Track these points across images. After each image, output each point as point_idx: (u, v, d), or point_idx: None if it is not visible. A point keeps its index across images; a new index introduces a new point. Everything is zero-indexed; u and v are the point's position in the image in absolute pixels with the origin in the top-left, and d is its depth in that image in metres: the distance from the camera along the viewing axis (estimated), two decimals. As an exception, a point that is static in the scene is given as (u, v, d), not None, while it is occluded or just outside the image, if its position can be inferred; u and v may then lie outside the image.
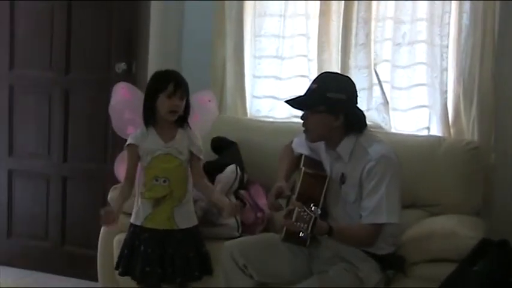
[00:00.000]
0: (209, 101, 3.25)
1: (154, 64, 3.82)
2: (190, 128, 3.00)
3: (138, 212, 3.00)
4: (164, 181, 2.94)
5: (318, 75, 2.89)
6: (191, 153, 2.96)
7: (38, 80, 4.11)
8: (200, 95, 3.21)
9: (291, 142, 3.06)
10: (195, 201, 3.13)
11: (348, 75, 3.28)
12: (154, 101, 2.91)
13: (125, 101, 3.19)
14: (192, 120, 3.03)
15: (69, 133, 4.05)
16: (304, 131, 2.80)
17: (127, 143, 2.99)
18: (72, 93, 4.04)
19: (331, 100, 2.68)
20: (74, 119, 4.04)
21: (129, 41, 3.89)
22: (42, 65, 4.08)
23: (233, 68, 3.83)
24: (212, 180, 3.29)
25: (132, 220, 3.02)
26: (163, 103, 2.89)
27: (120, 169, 3.25)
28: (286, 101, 2.81)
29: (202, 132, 3.18)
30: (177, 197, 2.96)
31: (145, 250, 2.94)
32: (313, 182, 2.73)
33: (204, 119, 3.21)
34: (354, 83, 2.80)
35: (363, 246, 2.71)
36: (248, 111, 3.87)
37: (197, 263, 2.98)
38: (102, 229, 3.42)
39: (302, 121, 2.78)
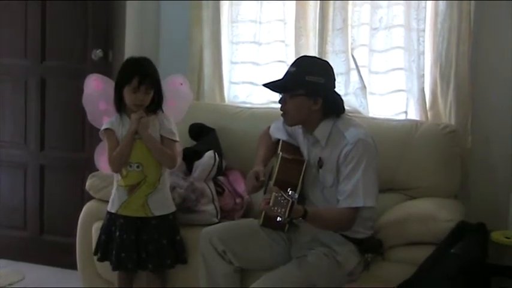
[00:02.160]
0: (181, 84, 3.21)
1: (131, 51, 3.78)
2: (163, 112, 2.98)
3: (113, 199, 2.99)
4: (138, 166, 2.92)
5: (296, 59, 2.87)
6: (161, 136, 2.94)
7: (14, 68, 4.05)
8: (171, 80, 3.17)
9: (269, 128, 3.04)
10: (173, 188, 3.11)
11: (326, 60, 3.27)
12: (122, 91, 2.89)
13: (97, 92, 3.15)
14: (167, 105, 3.00)
15: (46, 121, 4.00)
16: (282, 115, 2.78)
17: (104, 127, 2.97)
18: (48, 81, 3.99)
19: (309, 83, 2.66)
20: (50, 107, 4.00)
21: (105, 28, 3.84)
22: (17, 53, 4.02)
23: (210, 54, 3.81)
24: (190, 166, 3.28)
25: (108, 208, 3.01)
26: (129, 96, 2.89)
27: (101, 160, 3.19)
28: (265, 85, 2.79)
29: (179, 117, 3.16)
30: (151, 183, 2.94)
31: (121, 236, 2.93)
32: (291, 167, 2.73)
33: (179, 104, 3.18)
34: (331, 67, 2.78)
35: (340, 230, 2.70)
36: (226, 97, 3.85)
37: (170, 251, 2.96)
38: (81, 217, 3.39)
39: (280, 105, 2.76)
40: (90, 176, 3.40)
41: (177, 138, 2.99)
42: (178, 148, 3.03)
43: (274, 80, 2.79)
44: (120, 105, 2.94)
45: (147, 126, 2.88)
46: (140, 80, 2.86)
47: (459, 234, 2.69)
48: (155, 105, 2.95)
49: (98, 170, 3.33)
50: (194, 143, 3.48)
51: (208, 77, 3.82)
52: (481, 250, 2.67)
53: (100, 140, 3.12)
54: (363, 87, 3.51)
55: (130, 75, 2.87)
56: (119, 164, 2.92)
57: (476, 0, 3.27)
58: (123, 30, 3.85)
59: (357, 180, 2.61)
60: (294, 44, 3.62)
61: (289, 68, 2.76)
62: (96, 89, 3.14)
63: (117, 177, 2.99)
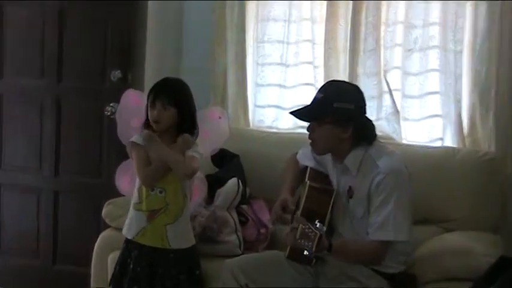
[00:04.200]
0: (219, 117, 3.24)
1: (151, 72, 3.84)
2: (195, 141, 2.98)
3: (131, 224, 2.99)
4: (160, 192, 2.95)
5: (324, 84, 2.90)
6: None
7: (29, 88, 4.12)
8: (210, 111, 3.21)
9: (296, 154, 3.08)
10: (194, 217, 3.14)
11: (356, 83, 3.30)
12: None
13: (133, 108, 3.18)
14: (200, 136, 3.02)
15: (61, 145, 4.06)
16: (311, 144, 2.81)
17: (132, 140, 2.96)
18: (64, 103, 4.05)
19: (338, 110, 2.69)
20: (66, 130, 4.05)
21: (124, 48, 3.90)
22: (33, 73, 4.10)
23: (235, 76, 3.85)
24: (212, 194, 3.31)
25: (124, 232, 3.02)
26: (148, 113, 2.94)
27: (122, 181, 3.22)
28: (291, 113, 2.83)
29: (209, 149, 3.17)
30: (173, 213, 2.95)
31: (134, 269, 2.94)
32: (319, 197, 2.75)
33: (213, 137, 3.18)
34: (361, 92, 2.82)
35: (369, 264, 2.71)
36: (251, 121, 3.89)
37: (188, 287, 2.98)
38: (96, 247, 3.43)
39: (308, 132, 2.79)
40: (106, 203, 3.44)
41: (199, 157, 2.98)
42: (198, 163, 3.02)
43: (301, 107, 2.82)
44: (147, 125, 2.99)
45: (152, 140, 2.92)
46: (155, 96, 2.92)
47: (498, 270, 2.69)
48: (180, 127, 2.97)
49: (115, 196, 3.36)
50: (217, 169, 3.51)
51: (232, 100, 3.86)
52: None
53: (119, 162, 3.15)
54: (396, 112, 3.54)
55: (150, 91, 2.96)
56: (151, 178, 2.93)
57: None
58: (143, 50, 3.91)
59: (388, 212, 2.62)
60: (323, 65, 3.66)
61: (316, 94, 2.79)
62: (134, 104, 3.17)
63: (134, 199, 3.01)
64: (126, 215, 3.10)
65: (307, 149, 2.97)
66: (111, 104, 3.85)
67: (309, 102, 2.82)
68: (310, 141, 2.80)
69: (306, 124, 2.81)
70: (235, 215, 3.29)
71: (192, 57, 3.99)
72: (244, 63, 3.85)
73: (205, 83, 3.86)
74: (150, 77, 3.73)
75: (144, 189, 2.97)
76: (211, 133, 3.14)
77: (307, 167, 2.98)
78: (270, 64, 3.83)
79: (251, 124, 3.89)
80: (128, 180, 3.11)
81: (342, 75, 3.60)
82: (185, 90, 3.01)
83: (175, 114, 2.94)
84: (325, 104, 2.71)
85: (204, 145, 3.05)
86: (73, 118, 4.06)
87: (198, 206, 3.21)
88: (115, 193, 3.34)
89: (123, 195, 3.24)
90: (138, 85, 3.79)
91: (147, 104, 2.98)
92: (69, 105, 4.06)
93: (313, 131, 2.76)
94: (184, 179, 2.94)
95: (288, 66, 3.79)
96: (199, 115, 3.02)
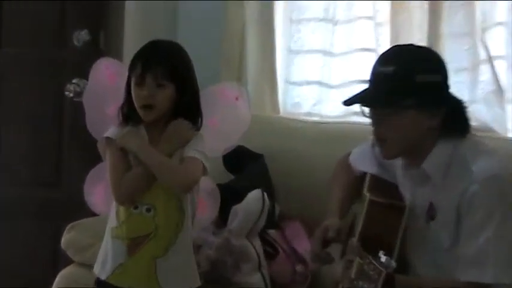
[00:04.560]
0: (236, 99, 3.25)
1: (132, 32, 3.87)
2: (197, 133, 3.00)
3: (105, 259, 3.00)
4: (148, 210, 2.95)
5: (387, 51, 2.84)
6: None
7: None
8: (221, 90, 3.20)
9: (349, 155, 3.08)
10: (198, 248, 3.16)
11: (437, 49, 3.30)
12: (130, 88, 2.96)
13: (107, 85, 3.18)
14: (207, 124, 3.03)
15: (0, 140, 4.11)
16: (379, 143, 2.78)
17: (106, 135, 2.94)
18: (4, 79, 4.10)
19: (425, 87, 2.65)
20: (6, 120, 4.10)
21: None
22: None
23: (257, 40, 3.90)
24: (227, 211, 3.33)
25: (96, 271, 3.04)
26: (133, 93, 2.92)
27: (95, 193, 3.20)
28: (346, 102, 2.77)
29: (223, 145, 3.17)
30: (165, 241, 2.96)
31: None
32: (384, 217, 2.74)
33: (227, 126, 3.16)
34: (441, 57, 2.78)
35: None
36: (281, 105, 3.93)
37: None
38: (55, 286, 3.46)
39: (372, 127, 2.73)
40: (68, 227, 3.46)
41: (201, 159, 2.98)
42: (200, 166, 3.00)
43: (362, 89, 2.78)
44: (127, 112, 2.98)
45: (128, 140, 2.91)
46: (144, 66, 2.91)
47: None
48: (178, 110, 2.98)
49: (81, 216, 3.41)
50: (231, 176, 3.54)
51: (253, 74, 3.90)
52: None
53: (86, 167, 3.17)
54: (499, 90, 3.55)
55: (135, 62, 2.93)
56: (131, 191, 2.95)
57: None
58: (121, 1, 3.94)
59: (486, 241, 2.60)
60: (390, 22, 3.68)
61: (380, 68, 2.71)
62: (109, 80, 3.17)
63: (112, 222, 3.03)
64: (98, 245, 3.13)
65: (365, 147, 2.98)
66: (74, 81, 3.89)
67: (370, 79, 2.78)
68: (376, 141, 2.77)
69: (371, 120, 2.73)
70: (258, 245, 3.31)
71: (194, 12, 4.02)
72: (272, 21, 3.89)
73: (214, 49, 3.90)
74: (132, 40, 3.76)
75: (124, 207, 2.99)
76: (224, 122, 3.14)
77: (365, 173, 2.99)
78: (309, 21, 3.87)
79: (281, 109, 3.93)
80: (103, 191, 3.12)
81: (417, 37, 3.62)
82: (183, 57, 3.01)
83: (174, 92, 2.95)
84: (401, 80, 2.64)
85: (213, 140, 3.04)
86: (16, 102, 4.09)
87: (204, 231, 3.24)
88: (81, 211, 3.34)
89: (97, 215, 3.24)
90: (114, 51, 3.83)
91: (129, 79, 2.99)
92: (10, 83, 4.11)
93: (382, 123, 2.71)
94: (180, 192, 2.96)
95: (336, 23, 3.81)
96: (205, 95, 3.02)
